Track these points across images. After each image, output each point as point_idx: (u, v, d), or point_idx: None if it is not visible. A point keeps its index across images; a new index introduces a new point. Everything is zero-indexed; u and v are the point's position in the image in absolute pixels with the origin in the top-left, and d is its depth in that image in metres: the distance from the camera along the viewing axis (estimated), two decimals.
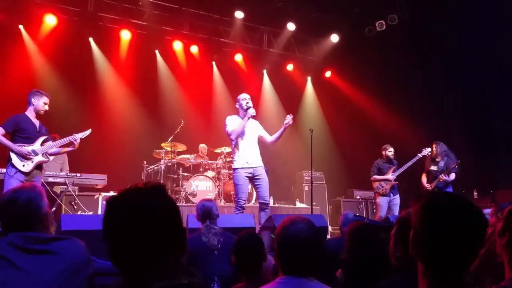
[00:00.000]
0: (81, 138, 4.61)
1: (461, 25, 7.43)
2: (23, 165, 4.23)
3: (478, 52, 7.45)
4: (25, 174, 4.25)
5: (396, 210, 6.21)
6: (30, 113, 4.43)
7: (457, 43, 7.72)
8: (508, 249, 1.28)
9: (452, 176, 6.14)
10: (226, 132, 5.21)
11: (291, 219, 1.63)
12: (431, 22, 7.89)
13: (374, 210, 7.31)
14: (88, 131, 4.71)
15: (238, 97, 5.37)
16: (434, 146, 6.38)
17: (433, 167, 6.29)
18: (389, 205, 6.31)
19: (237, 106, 5.38)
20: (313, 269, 1.56)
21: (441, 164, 6.21)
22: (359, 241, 2.07)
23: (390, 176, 6.32)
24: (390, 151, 6.51)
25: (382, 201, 6.31)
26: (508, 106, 7.29)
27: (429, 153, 6.31)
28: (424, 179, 6.42)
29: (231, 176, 7.76)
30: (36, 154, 4.32)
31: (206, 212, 3.15)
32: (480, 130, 7.73)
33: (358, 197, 8.52)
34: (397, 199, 6.34)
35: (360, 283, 1.99)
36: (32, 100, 4.43)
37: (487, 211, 2.53)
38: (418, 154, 6.34)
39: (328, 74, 10.45)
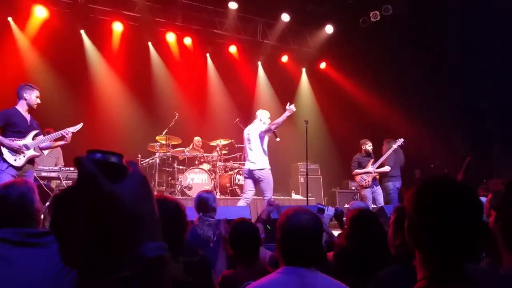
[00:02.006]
0: (73, 132, 4.56)
1: (455, 15, 7.42)
2: (15, 160, 4.18)
3: (473, 42, 7.46)
4: (17, 168, 4.19)
5: (380, 200, 6.39)
6: (21, 107, 4.36)
7: (452, 33, 7.72)
8: (501, 234, 1.31)
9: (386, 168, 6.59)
10: (266, 129, 5.56)
11: (295, 209, 1.62)
12: (425, 13, 7.88)
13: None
14: (80, 125, 4.66)
15: (260, 114, 5.82)
16: (384, 143, 6.88)
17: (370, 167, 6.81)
18: (373, 196, 6.46)
19: (260, 121, 5.74)
20: (315, 260, 1.56)
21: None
22: (360, 226, 2.08)
23: (370, 168, 6.49)
24: (369, 146, 6.71)
25: (366, 192, 6.49)
26: (503, 95, 7.33)
27: (402, 143, 6.54)
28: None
29: (226, 169, 7.77)
30: (27, 148, 4.27)
31: (202, 203, 3.12)
32: (474, 119, 7.77)
33: (353, 188, 8.55)
34: (379, 189, 6.52)
35: (352, 271, 2.00)
36: (24, 94, 4.36)
37: (483, 199, 2.54)
38: (393, 145, 6.52)
39: (323, 65, 10.42)
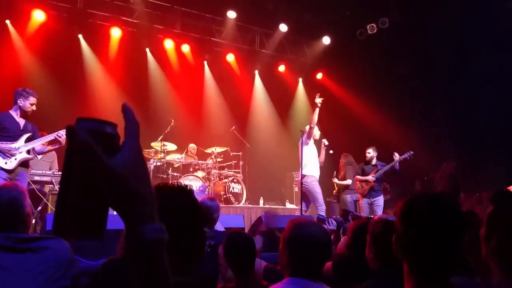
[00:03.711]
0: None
1: (451, 28, 7.53)
2: (5, 163, 4.14)
3: (468, 55, 7.55)
4: (8, 171, 4.15)
5: (379, 212, 6.27)
6: (14, 112, 4.33)
7: (447, 46, 7.82)
8: (497, 253, 1.26)
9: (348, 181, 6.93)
10: (308, 133, 5.78)
11: (303, 221, 1.63)
12: (421, 26, 7.98)
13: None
14: None
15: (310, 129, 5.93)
16: (341, 157, 7.42)
17: (334, 179, 7.46)
18: (372, 207, 6.37)
19: (306, 132, 5.90)
20: (320, 272, 1.56)
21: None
22: (362, 238, 2.07)
23: (370, 177, 6.44)
24: (368, 153, 6.69)
25: (363, 202, 6.48)
26: (496, 107, 7.42)
27: (410, 156, 6.48)
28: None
29: (221, 177, 7.75)
30: (19, 151, 4.23)
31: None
32: (467, 132, 7.83)
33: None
34: (379, 200, 6.40)
35: (352, 281, 1.99)
36: (18, 100, 4.32)
37: None
38: (400, 157, 6.42)
39: (319, 76, 10.48)
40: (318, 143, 6.25)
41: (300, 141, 5.95)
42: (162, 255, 0.54)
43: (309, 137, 5.85)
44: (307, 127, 5.88)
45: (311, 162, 5.85)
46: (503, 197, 1.30)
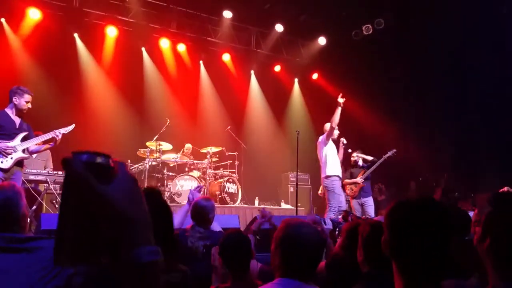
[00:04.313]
0: (63, 135, 4.49)
1: (446, 30, 7.59)
2: (1, 162, 4.12)
3: (462, 57, 7.61)
4: (4, 170, 4.13)
5: (370, 212, 6.34)
6: (10, 110, 4.31)
7: (443, 47, 7.88)
8: (490, 254, 1.27)
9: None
10: (328, 133, 5.74)
11: (297, 221, 1.61)
12: (417, 27, 8.03)
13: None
14: (71, 127, 4.59)
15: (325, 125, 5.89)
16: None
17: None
18: (363, 207, 6.43)
19: (333, 128, 5.80)
20: (313, 273, 1.56)
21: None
22: (356, 239, 2.08)
23: (359, 179, 6.52)
24: (353, 157, 6.81)
25: (354, 203, 6.53)
26: (491, 110, 7.48)
27: (394, 154, 6.57)
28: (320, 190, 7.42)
29: (216, 177, 7.76)
30: (15, 150, 4.22)
31: (197, 212, 2.84)
32: (462, 134, 7.90)
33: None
34: (369, 200, 6.48)
35: (346, 282, 2.00)
36: (14, 98, 4.31)
37: (470, 213, 2.55)
38: (383, 156, 6.56)
39: (315, 76, 10.51)
40: (336, 142, 6.21)
41: (320, 140, 5.93)
42: (157, 276, 0.56)
43: (328, 136, 5.83)
44: (327, 126, 5.80)
45: (332, 161, 5.82)
46: (502, 199, 1.32)
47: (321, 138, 5.97)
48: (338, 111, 5.67)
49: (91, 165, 0.57)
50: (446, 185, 7.86)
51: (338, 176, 5.86)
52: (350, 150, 6.60)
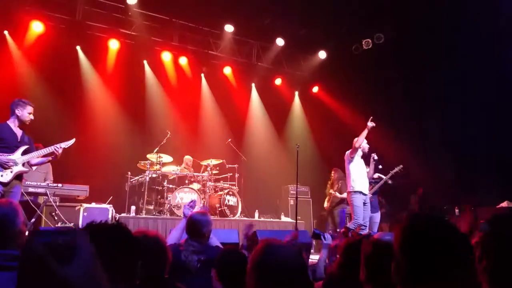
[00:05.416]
0: (64, 148, 4.49)
1: (445, 44, 7.64)
2: (1, 175, 4.11)
3: (461, 71, 7.65)
4: (3, 184, 4.12)
5: (375, 228, 6.27)
6: (12, 123, 4.32)
7: (442, 61, 7.92)
8: (486, 275, 1.26)
9: (344, 195, 6.86)
10: (352, 150, 5.83)
11: (274, 243, 1.49)
12: (416, 41, 8.09)
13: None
14: (72, 141, 4.60)
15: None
16: (332, 172, 7.86)
17: (331, 191, 7.80)
18: (370, 222, 6.30)
19: (356, 148, 5.89)
20: None
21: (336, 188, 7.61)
22: (354, 258, 2.03)
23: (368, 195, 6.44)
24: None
25: None
26: (491, 123, 7.48)
27: (401, 170, 6.55)
28: (326, 203, 7.93)
29: (216, 189, 7.73)
30: (16, 164, 4.21)
31: (191, 226, 2.82)
32: (462, 148, 7.89)
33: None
34: (376, 217, 6.41)
35: None
36: (16, 110, 4.32)
37: None
38: (390, 172, 6.50)
39: (315, 89, 10.57)
40: (367, 158, 6.21)
41: (345, 156, 5.99)
42: None
43: (352, 154, 5.86)
44: (356, 144, 5.82)
45: (355, 177, 5.81)
46: (500, 221, 1.29)
47: (346, 153, 5.98)
48: (365, 133, 5.78)
49: (51, 247, 0.55)
50: (421, 198, 8.03)
51: (361, 192, 5.79)
52: (380, 166, 6.54)
